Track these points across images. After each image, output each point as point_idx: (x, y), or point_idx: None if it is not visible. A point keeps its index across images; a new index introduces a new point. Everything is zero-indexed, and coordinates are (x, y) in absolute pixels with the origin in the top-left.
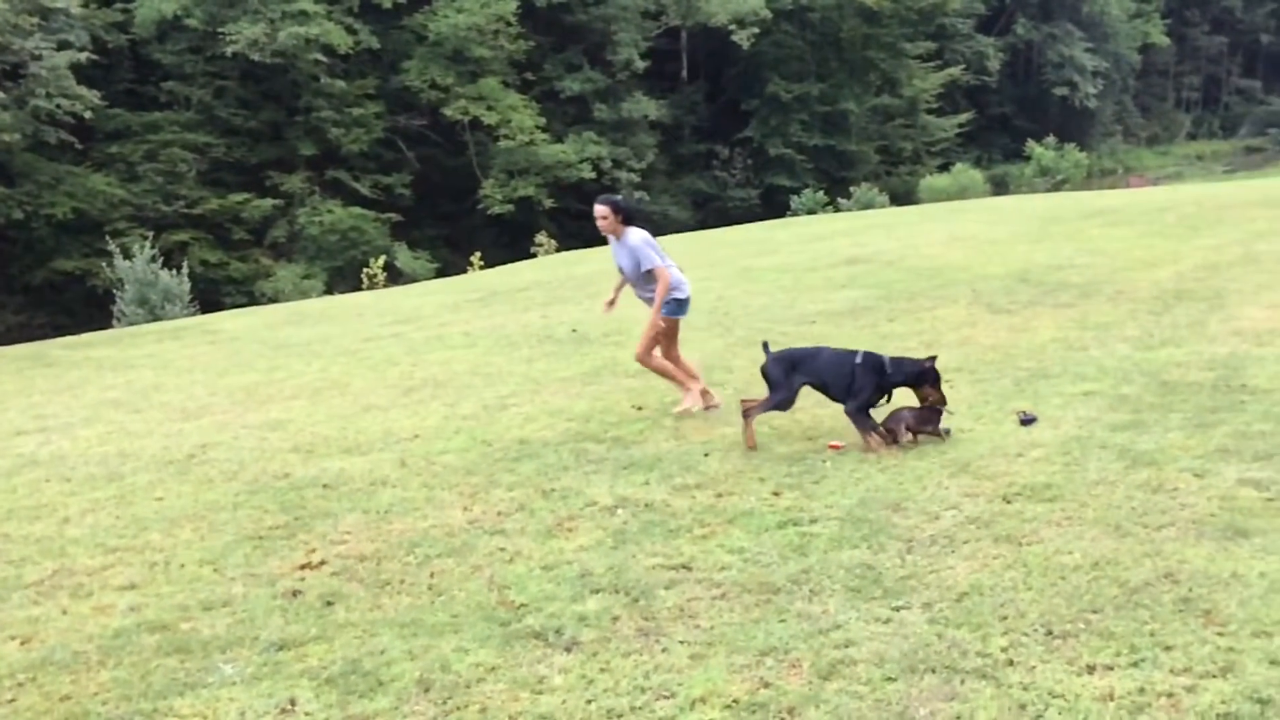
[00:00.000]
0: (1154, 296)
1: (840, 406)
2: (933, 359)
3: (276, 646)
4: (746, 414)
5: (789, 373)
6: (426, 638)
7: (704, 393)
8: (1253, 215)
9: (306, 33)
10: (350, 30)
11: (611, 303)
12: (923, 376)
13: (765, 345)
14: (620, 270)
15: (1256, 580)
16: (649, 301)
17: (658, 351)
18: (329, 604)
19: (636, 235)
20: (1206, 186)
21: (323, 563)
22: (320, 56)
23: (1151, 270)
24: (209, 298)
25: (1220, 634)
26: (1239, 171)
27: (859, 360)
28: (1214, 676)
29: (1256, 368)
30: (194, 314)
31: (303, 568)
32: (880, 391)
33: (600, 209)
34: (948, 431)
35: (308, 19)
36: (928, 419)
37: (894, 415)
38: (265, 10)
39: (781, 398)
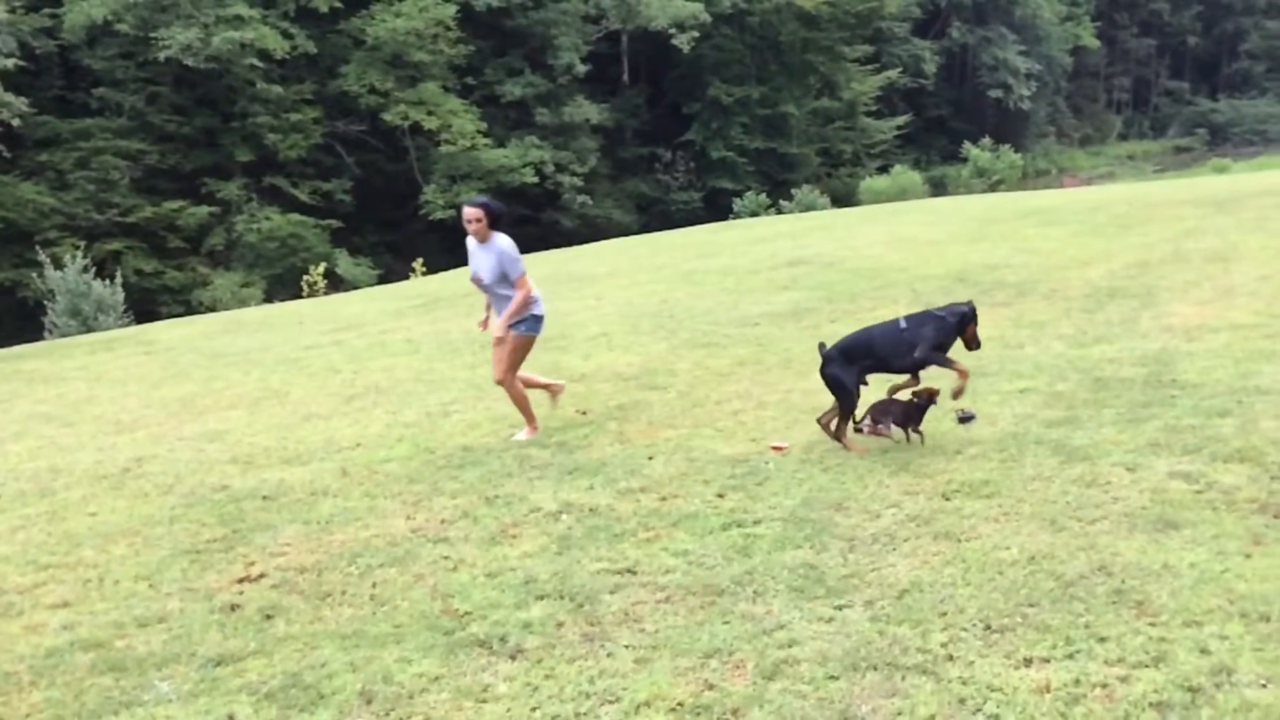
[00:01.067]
0: (1087, 294)
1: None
2: (970, 302)
3: (214, 662)
4: (838, 436)
5: (847, 367)
6: (368, 649)
7: (551, 389)
8: (1182, 214)
9: (241, 37)
10: (286, 35)
11: (486, 321)
12: (972, 315)
13: (821, 346)
14: (477, 280)
15: (1186, 571)
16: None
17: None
18: (268, 617)
19: (505, 240)
20: (1137, 186)
21: (262, 575)
22: (256, 61)
23: (1084, 269)
24: (144, 308)
25: (1152, 624)
26: (1169, 171)
27: (903, 325)
28: (1147, 666)
29: (1186, 363)
30: (128, 324)
31: (241, 581)
32: (950, 335)
33: (473, 211)
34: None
35: (243, 24)
36: (912, 415)
37: (880, 406)
38: (199, 15)
39: (850, 405)
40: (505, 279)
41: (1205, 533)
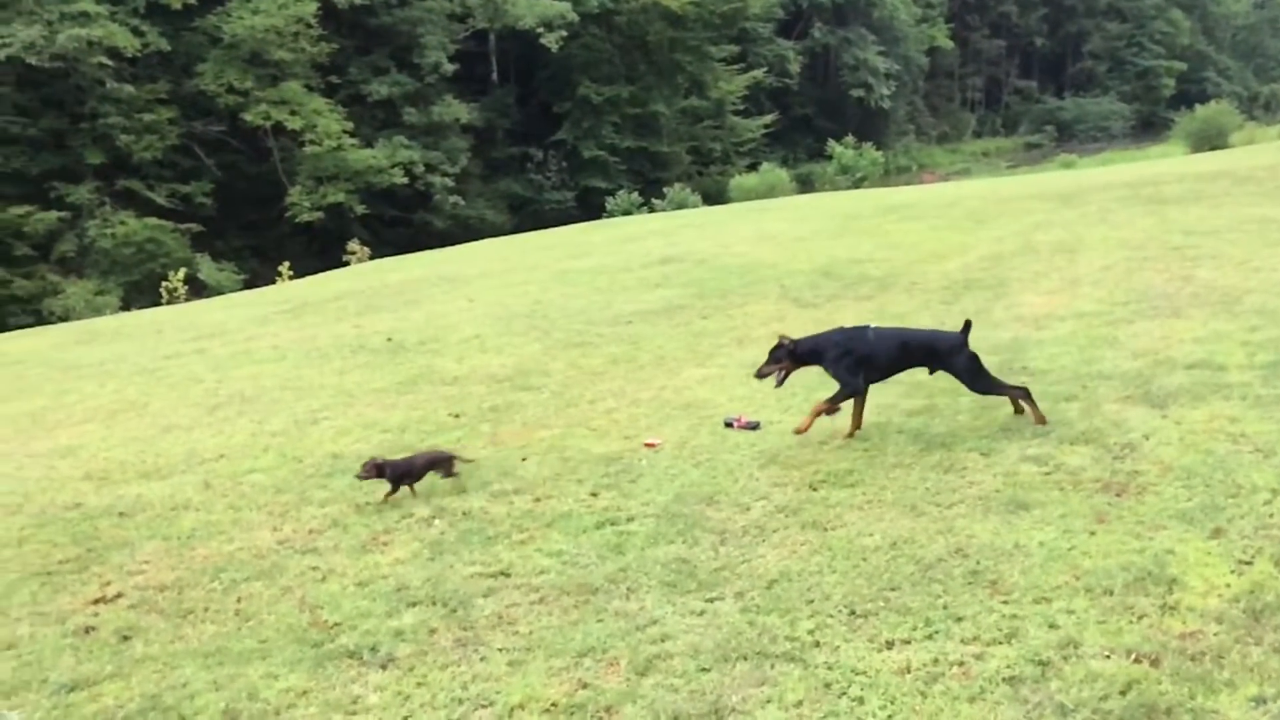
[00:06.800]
0: (944, 286)
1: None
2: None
3: (68, 688)
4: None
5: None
6: (233, 666)
7: None
8: (1031, 208)
9: (89, 35)
10: (137, 32)
11: None
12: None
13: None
14: None
15: (1036, 549)
16: None
17: None
18: (126, 639)
19: None
20: (991, 182)
21: (119, 595)
22: (105, 60)
23: (942, 262)
24: None
25: (1005, 602)
26: (1020, 167)
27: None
28: (1000, 643)
29: (1035, 350)
30: None
31: (96, 602)
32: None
33: None
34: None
35: (89, 20)
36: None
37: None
38: (41, 11)
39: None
40: None
41: (1053, 512)
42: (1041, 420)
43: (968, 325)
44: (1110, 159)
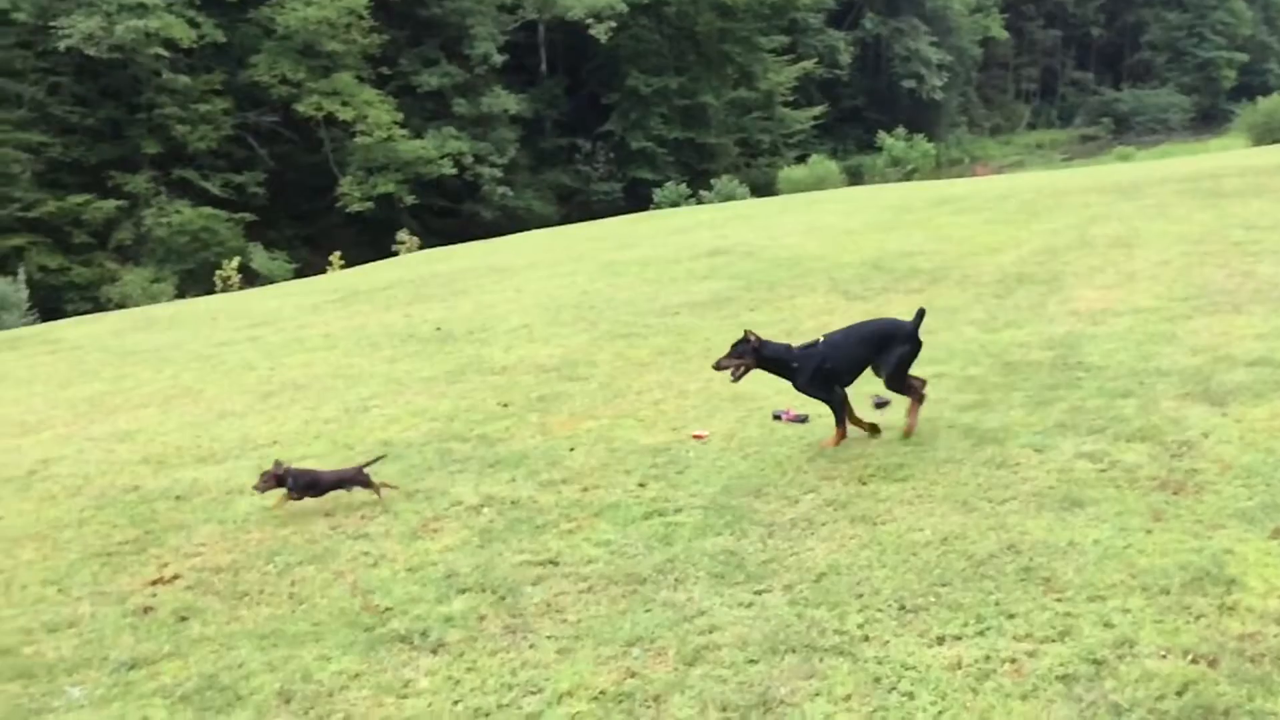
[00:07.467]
0: (997, 280)
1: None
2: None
3: (127, 666)
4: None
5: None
6: (287, 648)
7: None
8: (1087, 201)
9: (146, 26)
10: (193, 23)
11: None
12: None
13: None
14: None
15: (1091, 547)
16: None
17: None
18: (183, 619)
19: None
20: (1045, 174)
21: (176, 577)
22: (161, 51)
23: (995, 255)
24: (50, 305)
25: (1059, 600)
26: (1075, 159)
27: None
28: (1053, 641)
29: (1091, 346)
30: (33, 322)
31: (155, 583)
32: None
33: None
34: None
35: (147, 12)
36: None
37: None
38: (100, 3)
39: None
40: None
41: (1109, 510)
42: (910, 431)
43: (920, 314)
44: (1169, 151)
